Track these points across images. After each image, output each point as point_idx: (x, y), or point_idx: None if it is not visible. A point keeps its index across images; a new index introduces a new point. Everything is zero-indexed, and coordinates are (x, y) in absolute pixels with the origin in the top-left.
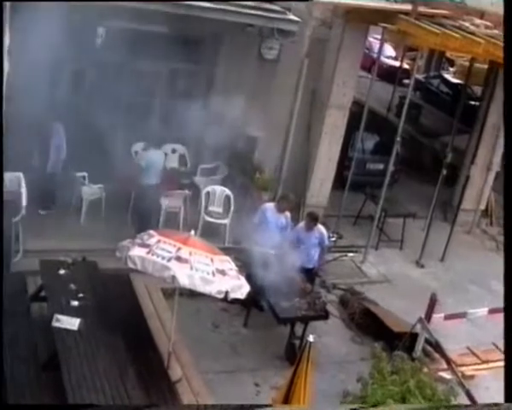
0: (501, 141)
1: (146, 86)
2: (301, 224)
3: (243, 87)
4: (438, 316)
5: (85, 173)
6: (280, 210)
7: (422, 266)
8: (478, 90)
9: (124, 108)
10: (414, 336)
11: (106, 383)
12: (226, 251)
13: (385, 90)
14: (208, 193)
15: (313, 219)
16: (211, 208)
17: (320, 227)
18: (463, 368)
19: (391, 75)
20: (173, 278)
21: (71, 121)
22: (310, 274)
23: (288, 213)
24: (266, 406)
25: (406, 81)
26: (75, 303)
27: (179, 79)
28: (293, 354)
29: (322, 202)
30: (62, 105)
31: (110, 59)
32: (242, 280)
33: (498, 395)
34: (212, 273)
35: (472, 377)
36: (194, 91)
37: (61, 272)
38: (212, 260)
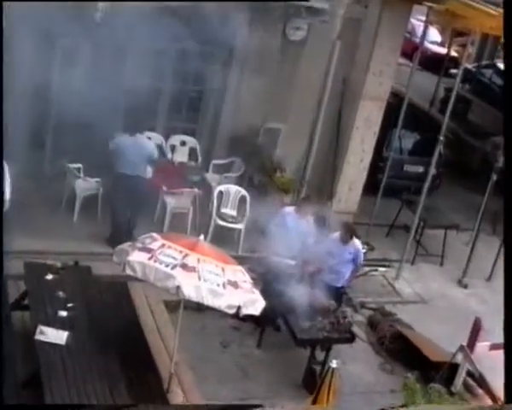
0: None
1: (152, 68)
2: (335, 235)
3: (264, 72)
4: (482, 345)
5: (80, 165)
6: (301, 214)
7: (466, 286)
8: None
9: (126, 92)
10: (454, 367)
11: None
12: (240, 260)
13: (428, 81)
14: (221, 193)
15: (349, 232)
16: (224, 210)
17: (356, 242)
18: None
19: (436, 64)
20: (178, 288)
21: (62, 105)
22: (337, 293)
23: (310, 218)
24: (256, 406)
25: (454, 71)
26: (63, 314)
27: (190, 61)
28: (313, 382)
29: (352, 208)
30: (51, 86)
31: (110, 36)
32: (257, 294)
33: None
34: (222, 285)
35: None
36: (207, 76)
37: (49, 277)
38: (223, 269)
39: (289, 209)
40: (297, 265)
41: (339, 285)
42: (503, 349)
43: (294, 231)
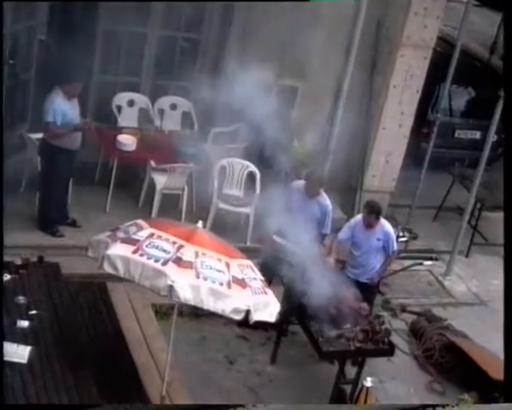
0: None
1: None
2: (357, 218)
3: (278, 15)
4: None
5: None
6: (310, 194)
7: None
8: None
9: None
10: None
11: None
12: (248, 253)
13: (488, 21)
14: (224, 168)
15: (374, 212)
16: (227, 191)
17: (385, 224)
18: None
19: None
20: (170, 288)
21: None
22: (367, 290)
23: (324, 198)
24: (237, 406)
25: None
26: (25, 324)
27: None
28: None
29: (388, 186)
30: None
31: None
32: (270, 295)
33: None
34: (226, 284)
35: None
36: (203, 20)
37: (6, 277)
38: (227, 264)
39: (299, 184)
40: (317, 257)
41: (367, 281)
42: (504, 348)
43: (301, 215)
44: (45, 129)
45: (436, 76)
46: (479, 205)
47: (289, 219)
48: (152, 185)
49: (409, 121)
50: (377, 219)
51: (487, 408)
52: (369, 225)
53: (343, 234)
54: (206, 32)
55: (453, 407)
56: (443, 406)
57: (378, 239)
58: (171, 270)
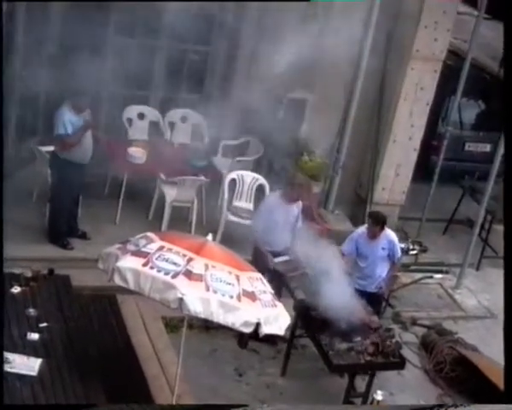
0: None
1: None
2: (360, 230)
3: (285, 28)
4: None
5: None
6: (290, 200)
7: None
8: None
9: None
10: None
11: None
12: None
13: (498, 34)
14: (234, 181)
15: (379, 222)
16: (237, 203)
17: (389, 233)
18: None
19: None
20: (180, 301)
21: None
22: (374, 301)
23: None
24: (244, 405)
25: None
26: (35, 336)
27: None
28: None
29: (398, 199)
30: None
31: None
32: (280, 308)
33: None
34: (236, 297)
35: None
36: (213, 33)
37: (15, 290)
38: (237, 277)
39: (273, 197)
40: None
41: (375, 290)
42: (504, 348)
43: (284, 222)
44: (56, 141)
45: (446, 89)
46: (489, 218)
47: (281, 232)
48: (162, 198)
49: (419, 134)
50: (382, 229)
51: (488, 408)
52: (373, 235)
53: (347, 247)
54: (217, 42)
55: (465, 407)
56: (455, 405)
57: (383, 248)
58: (181, 283)
